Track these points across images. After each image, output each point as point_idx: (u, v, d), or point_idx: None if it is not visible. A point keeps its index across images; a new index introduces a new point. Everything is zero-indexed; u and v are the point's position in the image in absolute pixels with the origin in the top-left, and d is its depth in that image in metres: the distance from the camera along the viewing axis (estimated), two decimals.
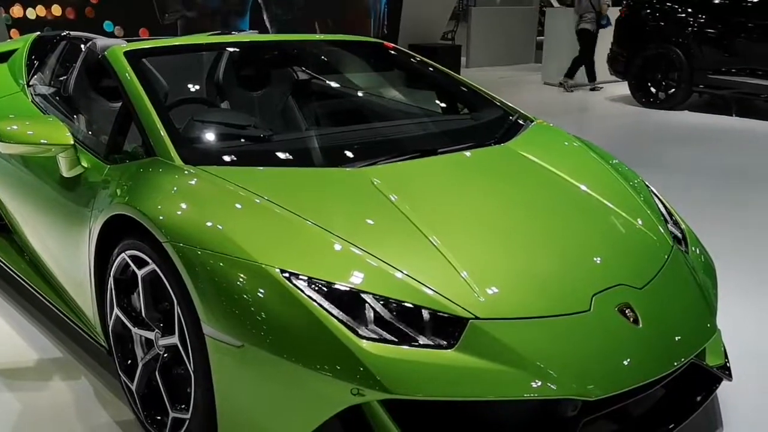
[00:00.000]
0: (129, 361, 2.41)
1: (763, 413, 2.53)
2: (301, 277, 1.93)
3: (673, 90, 8.40)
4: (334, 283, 1.93)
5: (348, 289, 1.92)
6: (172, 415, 2.20)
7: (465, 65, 11.84)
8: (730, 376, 2.36)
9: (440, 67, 3.48)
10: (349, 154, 2.63)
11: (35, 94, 3.40)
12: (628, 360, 2.01)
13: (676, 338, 2.16)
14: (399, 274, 1.98)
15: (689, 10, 8.31)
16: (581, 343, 1.99)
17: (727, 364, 2.40)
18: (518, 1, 14.02)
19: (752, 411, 2.53)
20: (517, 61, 12.76)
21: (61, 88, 3.35)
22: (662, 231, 2.50)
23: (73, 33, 3.75)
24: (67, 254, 2.74)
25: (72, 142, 2.60)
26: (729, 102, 8.29)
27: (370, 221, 2.21)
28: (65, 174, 2.68)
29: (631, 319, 2.06)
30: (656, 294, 2.20)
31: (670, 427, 2.13)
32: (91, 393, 2.62)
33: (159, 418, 2.28)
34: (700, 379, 2.29)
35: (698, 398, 2.25)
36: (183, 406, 2.16)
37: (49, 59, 3.65)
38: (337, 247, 2.05)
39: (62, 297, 2.90)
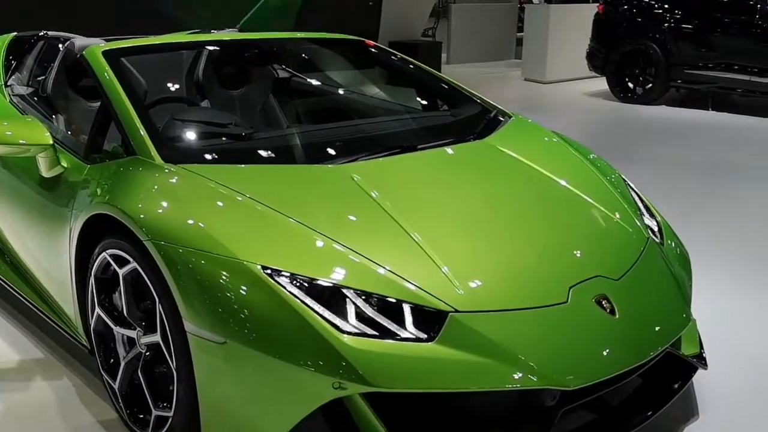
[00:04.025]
0: (111, 360, 2.42)
1: (738, 401, 2.59)
2: (283, 273, 1.95)
3: (651, 85, 8.49)
4: (317, 279, 1.95)
5: (330, 284, 1.94)
6: (155, 413, 2.21)
7: (446, 62, 11.86)
8: (705, 365, 2.42)
9: (419, 64, 3.50)
10: (329, 151, 2.65)
11: (13, 95, 3.38)
12: (605, 350, 2.05)
13: (652, 328, 2.20)
14: (381, 270, 2.00)
15: (666, 6, 8.41)
16: (559, 333, 2.03)
17: (703, 353, 2.46)
18: None
19: (727, 399, 2.58)
20: (497, 57, 12.81)
21: (39, 89, 3.33)
22: (638, 224, 2.54)
23: (50, 33, 3.72)
24: (48, 254, 2.73)
25: (51, 141, 2.59)
26: (705, 96, 8.40)
27: (351, 218, 2.23)
28: (45, 174, 2.67)
29: (608, 310, 2.10)
30: (632, 285, 2.25)
31: (648, 414, 2.18)
32: (73, 393, 2.62)
33: (142, 416, 2.29)
34: (676, 369, 2.34)
35: (674, 387, 2.29)
36: (166, 404, 2.18)
37: (27, 59, 3.62)
38: (319, 243, 2.07)
39: (43, 297, 2.89)
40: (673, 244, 2.65)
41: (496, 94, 8.89)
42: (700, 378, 2.57)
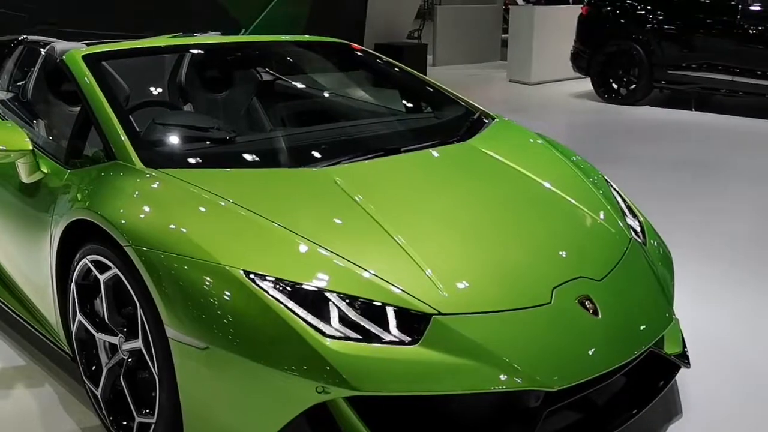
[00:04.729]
0: (93, 367, 2.39)
1: (720, 399, 2.60)
2: (267, 278, 1.94)
3: (634, 86, 8.55)
4: (301, 284, 1.94)
5: (314, 289, 1.94)
6: (137, 419, 2.20)
7: (431, 63, 11.88)
8: (688, 364, 2.43)
9: (404, 66, 3.50)
10: (312, 154, 2.64)
11: None
12: (589, 350, 2.05)
13: (635, 327, 2.21)
14: (365, 274, 2.00)
15: (649, 7, 8.47)
16: (543, 334, 2.03)
17: (686, 352, 2.47)
18: None
19: (709, 397, 2.60)
20: (482, 59, 12.85)
21: (19, 93, 3.31)
22: (621, 224, 2.55)
23: (30, 37, 3.69)
24: (29, 261, 2.70)
25: (31, 147, 2.57)
26: (689, 97, 8.47)
27: (335, 221, 2.23)
28: (25, 180, 2.65)
29: (591, 311, 2.11)
30: (615, 285, 2.25)
31: (632, 413, 2.19)
32: (56, 400, 2.59)
33: (125, 423, 2.27)
34: (659, 367, 2.35)
35: (658, 385, 2.30)
36: (148, 411, 2.16)
37: (7, 64, 3.59)
38: (303, 248, 2.06)
39: (24, 304, 2.86)
40: (656, 244, 2.66)
41: (481, 95, 8.92)
42: (683, 376, 2.59)
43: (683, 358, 2.42)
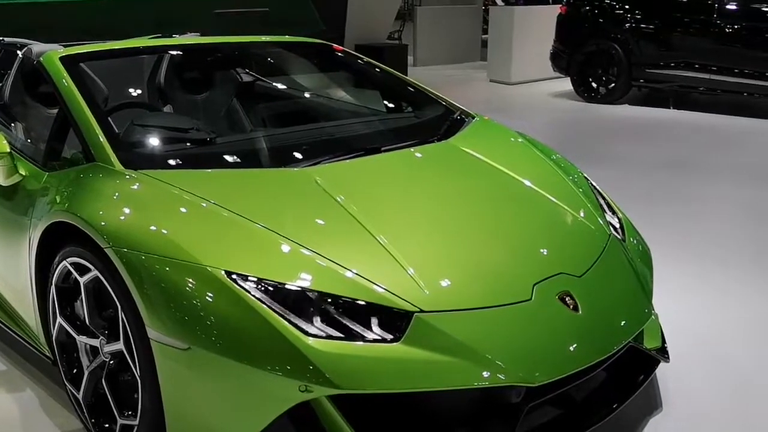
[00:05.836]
0: (75, 370, 2.38)
1: (700, 394, 2.63)
2: (249, 278, 1.94)
3: (613, 85, 8.63)
4: (283, 284, 1.94)
5: (296, 288, 1.94)
6: (120, 422, 2.19)
7: (412, 64, 11.91)
8: (667, 358, 2.46)
9: (384, 66, 3.51)
10: (292, 154, 2.64)
11: None
12: (569, 345, 2.07)
13: (615, 323, 2.24)
14: (348, 273, 2.00)
15: (627, 6, 8.56)
16: (523, 331, 2.05)
17: (665, 347, 2.50)
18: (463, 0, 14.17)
19: (690, 392, 2.63)
20: (463, 59, 12.89)
21: None
22: (600, 221, 2.58)
23: (7, 39, 3.65)
24: (7, 264, 2.68)
25: (8, 150, 2.55)
26: (667, 95, 8.56)
27: (317, 221, 2.23)
28: (2, 183, 2.62)
29: (571, 306, 2.13)
30: (595, 281, 2.28)
31: (612, 407, 2.21)
32: (36, 404, 2.57)
33: (107, 425, 2.26)
34: (639, 362, 2.38)
35: (638, 380, 2.33)
36: (130, 413, 2.15)
37: None
38: (285, 248, 2.06)
39: (3, 307, 2.83)
40: (635, 241, 2.69)
41: (462, 95, 8.95)
42: (664, 372, 2.62)
43: (663, 353, 2.46)
